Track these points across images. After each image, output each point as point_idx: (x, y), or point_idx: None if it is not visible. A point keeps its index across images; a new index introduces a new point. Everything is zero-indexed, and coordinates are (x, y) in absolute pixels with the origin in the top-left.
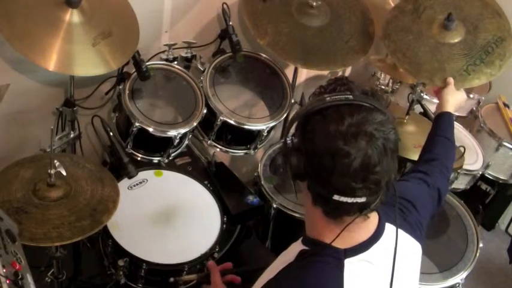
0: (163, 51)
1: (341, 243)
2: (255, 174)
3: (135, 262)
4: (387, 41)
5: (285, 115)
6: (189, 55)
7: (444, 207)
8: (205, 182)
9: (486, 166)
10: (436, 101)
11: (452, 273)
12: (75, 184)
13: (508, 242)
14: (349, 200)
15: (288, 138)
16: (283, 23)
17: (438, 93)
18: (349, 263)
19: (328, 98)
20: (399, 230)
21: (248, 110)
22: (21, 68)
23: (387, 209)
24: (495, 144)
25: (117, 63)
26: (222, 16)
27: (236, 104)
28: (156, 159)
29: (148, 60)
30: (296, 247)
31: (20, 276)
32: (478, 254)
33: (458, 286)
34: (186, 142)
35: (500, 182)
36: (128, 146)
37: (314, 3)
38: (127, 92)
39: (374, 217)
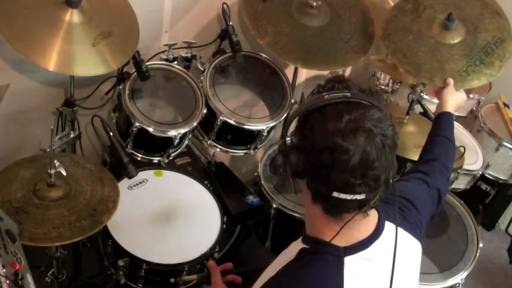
0: (163, 51)
1: (341, 241)
2: (255, 174)
3: (135, 262)
4: (387, 42)
5: (285, 115)
6: (189, 55)
7: (444, 207)
8: (205, 182)
9: (486, 166)
10: (436, 101)
11: (452, 273)
12: (75, 184)
13: (508, 242)
14: (349, 196)
15: (287, 137)
16: (283, 23)
17: (438, 93)
18: (349, 261)
19: (326, 96)
20: (399, 228)
21: (248, 110)
22: (21, 68)
23: (387, 207)
24: (495, 144)
25: (117, 63)
26: (222, 16)
27: (236, 104)
28: (156, 159)
29: (148, 60)
30: (296, 246)
31: (20, 276)
32: (478, 254)
33: (458, 286)
34: (186, 142)
35: (500, 182)
36: (128, 146)
37: (314, 3)
38: (127, 92)
39: (373, 215)
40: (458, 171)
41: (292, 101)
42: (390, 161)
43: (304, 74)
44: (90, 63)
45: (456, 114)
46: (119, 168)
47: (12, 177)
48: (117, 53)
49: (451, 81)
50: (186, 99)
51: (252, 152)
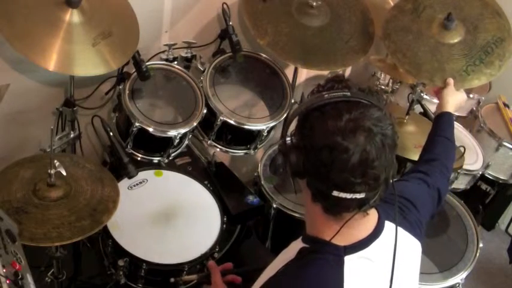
0: (163, 51)
1: (341, 240)
2: (255, 174)
3: (135, 262)
4: (387, 42)
5: (285, 115)
6: (189, 55)
7: (444, 207)
8: (205, 182)
9: (486, 166)
10: (436, 101)
11: (452, 273)
12: (75, 184)
13: (508, 242)
14: (348, 195)
15: (287, 136)
16: (283, 23)
17: (438, 93)
18: (349, 260)
19: (326, 95)
20: (399, 228)
21: (248, 110)
22: (21, 68)
23: (387, 207)
24: (495, 144)
25: (117, 63)
26: (222, 16)
27: (236, 104)
28: (156, 159)
29: (148, 60)
30: (296, 245)
31: (20, 276)
32: (478, 254)
33: (458, 286)
34: (186, 142)
35: (500, 182)
36: (128, 146)
37: (314, 3)
38: (127, 92)
39: (373, 215)
40: (458, 171)
41: (292, 101)
42: (390, 160)
43: (304, 74)
44: (90, 63)
45: (456, 114)
46: (119, 168)
47: (12, 177)
48: (117, 53)
49: (451, 81)
50: (186, 99)
51: (252, 152)
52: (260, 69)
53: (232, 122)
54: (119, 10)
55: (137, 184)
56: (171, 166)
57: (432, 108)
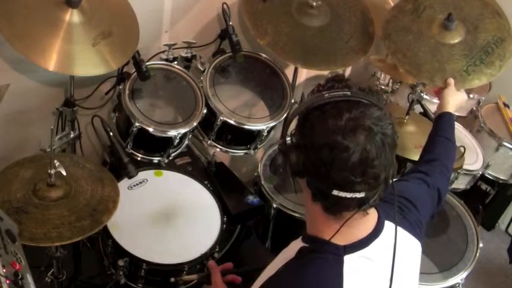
0: (163, 51)
1: (340, 240)
2: (255, 174)
3: (135, 262)
4: (388, 42)
5: (285, 115)
6: (189, 55)
7: (444, 207)
8: (205, 182)
9: (486, 166)
10: (436, 101)
11: (452, 273)
12: (75, 184)
13: (508, 242)
14: (348, 195)
15: (287, 135)
16: (283, 23)
17: (439, 93)
18: (349, 260)
19: (326, 95)
20: (398, 227)
21: (248, 110)
22: (21, 68)
23: (386, 207)
24: (495, 144)
25: (117, 63)
26: (222, 16)
27: (236, 104)
28: (156, 159)
29: (148, 60)
30: (296, 244)
31: (20, 276)
32: (478, 254)
33: (458, 286)
34: (186, 142)
35: (500, 182)
36: (128, 146)
37: (314, 3)
38: (127, 92)
39: (373, 214)
40: (458, 171)
41: (292, 101)
42: (390, 160)
43: (304, 74)
44: (90, 63)
45: (456, 114)
46: (119, 168)
47: (12, 177)
48: (117, 53)
49: (451, 81)
50: (186, 99)
51: (252, 152)
52: (260, 69)
53: (232, 122)
54: (119, 10)
55: (137, 184)
56: (171, 166)
57: (432, 108)
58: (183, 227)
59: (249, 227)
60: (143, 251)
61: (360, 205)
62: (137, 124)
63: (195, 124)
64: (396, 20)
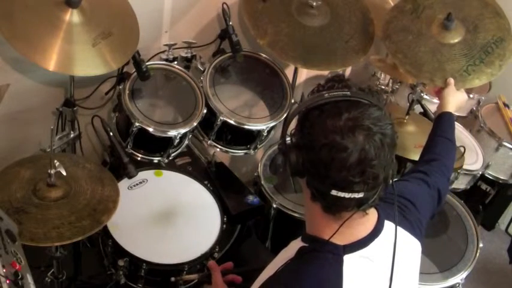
0: (163, 51)
1: (340, 240)
2: (255, 174)
3: (135, 262)
4: (388, 42)
5: (285, 115)
6: (189, 55)
7: (444, 207)
8: (205, 182)
9: (486, 166)
10: (436, 101)
11: (452, 273)
12: (75, 184)
13: (508, 242)
14: (347, 195)
15: (287, 135)
16: (283, 23)
17: (439, 93)
18: (349, 259)
19: (326, 95)
20: (398, 227)
21: (248, 110)
22: (21, 68)
23: (386, 207)
24: (495, 144)
25: (117, 63)
26: (222, 16)
27: (236, 104)
28: (156, 159)
29: (148, 60)
30: (296, 244)
31: (20, 276)
32: (478, 254)
33: (458, 286)
34: (186, 142)
35: (500, 182)
36: (128, 146)
37: (314, 3)
38: (127, 92)
39: (373, 214)
40: (458, 171)
41: (292, 101)
42: (389, 160)
43: (304, 74)
44: (90, 63)
45: (456, 114)
46: (119, 168)
47: (12, 177)
48: (117, 53)
49: (451, 81)
50: (186, 99)
51: (252, 152)
52: (260, 69)
53: (232, 122)
54: (119, 10)
55: (137, 184)
56: (171, 166)
57: (432, 108)
58: (183, 226)
59: (249, 227)
60: (143, 251)
61: (359, 205)
62: (137, 124)
63: (195, 124)
64: (396, 21)
